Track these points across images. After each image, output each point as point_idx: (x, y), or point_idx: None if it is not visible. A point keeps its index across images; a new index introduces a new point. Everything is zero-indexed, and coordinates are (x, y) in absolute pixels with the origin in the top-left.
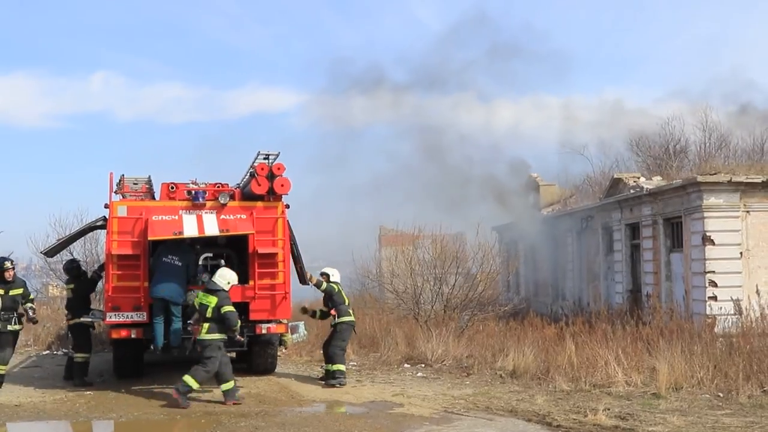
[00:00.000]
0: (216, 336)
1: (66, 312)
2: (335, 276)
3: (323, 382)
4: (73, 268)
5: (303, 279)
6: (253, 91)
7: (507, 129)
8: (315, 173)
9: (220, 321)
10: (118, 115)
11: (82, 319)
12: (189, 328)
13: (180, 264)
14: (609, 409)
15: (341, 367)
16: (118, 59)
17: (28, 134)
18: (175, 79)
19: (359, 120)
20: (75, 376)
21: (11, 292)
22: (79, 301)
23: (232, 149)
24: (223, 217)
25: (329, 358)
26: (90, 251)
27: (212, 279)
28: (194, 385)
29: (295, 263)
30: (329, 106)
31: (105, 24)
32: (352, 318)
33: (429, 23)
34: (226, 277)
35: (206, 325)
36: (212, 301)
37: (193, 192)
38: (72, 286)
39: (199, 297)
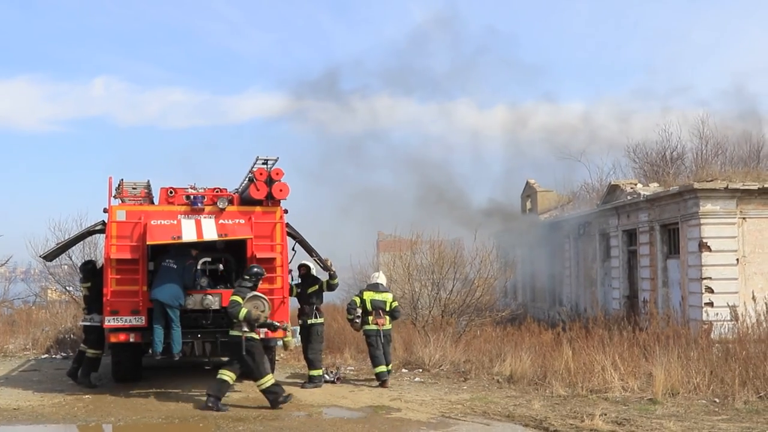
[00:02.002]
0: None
1: (84, 308)
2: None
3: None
4: (88, 269)
5: (326, 266)
6: (253, 96)
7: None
8: (304, 178)
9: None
10: (118, 119)
11: (81, 322)
12: (372, 322)
13: (175, 267)
14: (606, 415)
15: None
16: (119, 64)
17: (29, 139)
18: (176, 84)
19: (338, 128)
20: (82, 372)
21: None
22: (96, 297)
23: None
24: (221, 221)
25: (316, 363)
26: (89, 255)
27: (379, 282)
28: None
29: (312, 255)
30: (309, 112)
31: (107, 29)
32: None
33: (430, 29)
34: (385, 278)
35: (388, 318)
36: (389, 298)
37: (192, 197)
38: (88, 284)
39: (369, 295)
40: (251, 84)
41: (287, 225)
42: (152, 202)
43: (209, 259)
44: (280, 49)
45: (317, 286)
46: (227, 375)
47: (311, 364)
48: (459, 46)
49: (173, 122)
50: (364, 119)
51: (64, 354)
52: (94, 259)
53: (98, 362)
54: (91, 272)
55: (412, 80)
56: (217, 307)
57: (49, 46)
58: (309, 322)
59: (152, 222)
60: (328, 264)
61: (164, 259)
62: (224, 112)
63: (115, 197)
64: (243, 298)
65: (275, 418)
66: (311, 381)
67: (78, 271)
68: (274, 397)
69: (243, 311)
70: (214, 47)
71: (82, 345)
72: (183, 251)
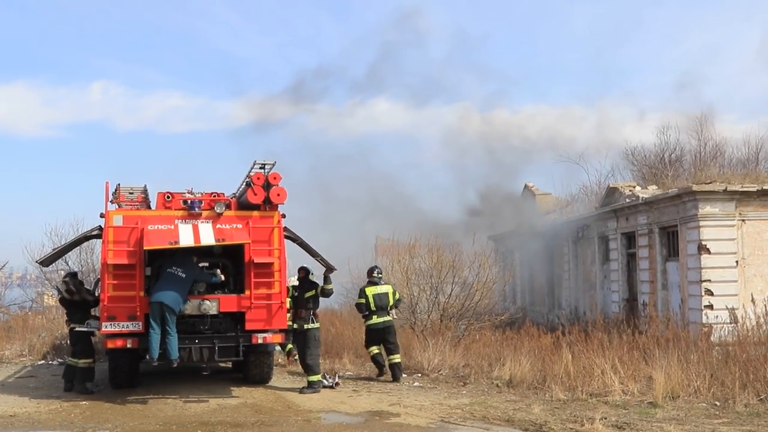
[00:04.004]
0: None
1: (66, 318)
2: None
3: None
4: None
5: (330, 267)
6: (251, 101)
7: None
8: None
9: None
10: (117, 124)
11: (77, 328)
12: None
13: (184, 276)
14: (606, 419)
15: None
16: (117, 68)
17: (27, 143)
18: (175, 88)
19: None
20: (77, 381)
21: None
22: (75, 307)
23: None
24: (219, 226)
25: (314, 368)
26: (85, 261)
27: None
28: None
29: (314, 256)
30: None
31: (105, 33)
32: None
33: (430, 34)
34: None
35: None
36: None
37: (189, 201)
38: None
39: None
40: (250, 88)
41: (285, 228)
42: (149, 207)
43: (207, 264)
44: (279, 53)
45: (314, 291)
46: (398, 357)
47: (309, 369)
48: (437, 50)
49: (172, 126)
50: (346, 126)
51: (61, 360)
52: (77, 270)
53: (91, 371)
54: (72, 281)
55: (407, 87)
56: (215, 312)
57: (47, 50)
58: (306, 326)
59: (149, 227)
60: (331, 265)
61: (169, 266)
62: (223, 116)
63: (112, 202)
64: None
65: (273, 424)
66: (310, 386)
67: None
68: (399, 372)
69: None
70: (213, 51)
71: (70, 359)
72: (187, 259)
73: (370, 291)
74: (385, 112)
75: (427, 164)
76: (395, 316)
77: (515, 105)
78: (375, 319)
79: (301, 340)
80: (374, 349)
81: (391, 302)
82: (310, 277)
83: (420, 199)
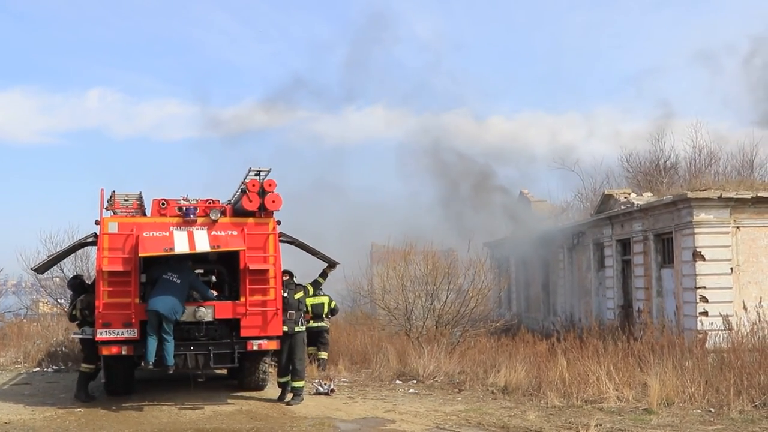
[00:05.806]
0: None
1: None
2: None
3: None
4: (77, 284)
5: (332, 262)
6: (249, 108)
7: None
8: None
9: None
10: (113, 131)
11: (72, 335)
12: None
13: (179, 282)
14: (601, 425)
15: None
16: (114, 75)
17: (23, 151)
18: (171, 96)
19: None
20: (78, 386)
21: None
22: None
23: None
24: (214, 233)
25: (301, 373)
26: (81, 268)
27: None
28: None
29: (315, 254)
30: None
31: (102, 41)
32: None
33: (427, 39)
34: None
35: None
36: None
37: (184, 208)
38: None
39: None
40: (247, 95)
41: (282, 233)
42: (144, 214)
43: (201, 271)
44: (276, 60)
45: (302, 293)
46: (325, 354)
47: (297, 375)
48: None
49: (168, 134)
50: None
51: (56, 367)
52: (82, 273)
53: (91, 376)
54: (80, 287)
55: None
56: (210, 319)
57: (44, 58)
58: (296, 329)
59: (144, 234)
60: (332, 259)
61: (164, 272)
62: (219, 123)
63: (107, 209)
64: None
65: (269, 431)
66: (297, 394)
67: (68, 287)
68: (324, 366)
69: None
70: (210, 58)
71: (84, 366)
72: (182, 264)
73: (310, 301)
74: (376, 121)
75: (417, 172)
76: (328, 324)
77: (509, 111)
78: (311, 323)
79: (289, 343)
80: (311, 350)
81: (326, 311)
82: (295, 279)
83: (406, 206)
